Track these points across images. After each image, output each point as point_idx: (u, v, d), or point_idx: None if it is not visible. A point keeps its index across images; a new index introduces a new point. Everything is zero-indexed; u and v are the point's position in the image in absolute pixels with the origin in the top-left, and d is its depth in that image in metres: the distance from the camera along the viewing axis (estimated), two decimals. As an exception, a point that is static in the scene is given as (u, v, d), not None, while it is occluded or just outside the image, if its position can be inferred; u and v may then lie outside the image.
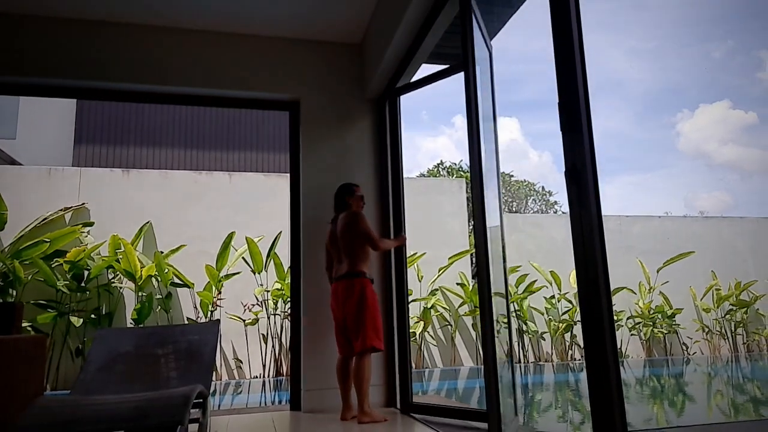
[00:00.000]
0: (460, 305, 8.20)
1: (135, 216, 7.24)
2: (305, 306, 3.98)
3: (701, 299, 9.24)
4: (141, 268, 6.72)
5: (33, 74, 3.87)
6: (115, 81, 4.00)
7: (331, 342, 3.70)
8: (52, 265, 6.50)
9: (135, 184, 7.45)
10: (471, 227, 8.37)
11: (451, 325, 8.18)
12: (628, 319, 8.79)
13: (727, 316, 9.16)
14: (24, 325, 5.97)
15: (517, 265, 8.46)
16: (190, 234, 7.34)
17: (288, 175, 4.43)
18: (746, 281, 9.28)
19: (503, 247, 3.31)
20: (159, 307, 6.91)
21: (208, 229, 7.40)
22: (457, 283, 8.20)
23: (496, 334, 2.72)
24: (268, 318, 7.21)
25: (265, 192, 7.86)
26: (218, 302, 7.05)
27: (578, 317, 7.74)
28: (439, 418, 3.42)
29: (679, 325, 8.88)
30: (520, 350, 8.36)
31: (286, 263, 6.81)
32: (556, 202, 20.44)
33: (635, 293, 8.92)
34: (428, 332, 8.04)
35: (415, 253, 7.79)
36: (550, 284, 8.58)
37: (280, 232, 7.18)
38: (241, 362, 7.19)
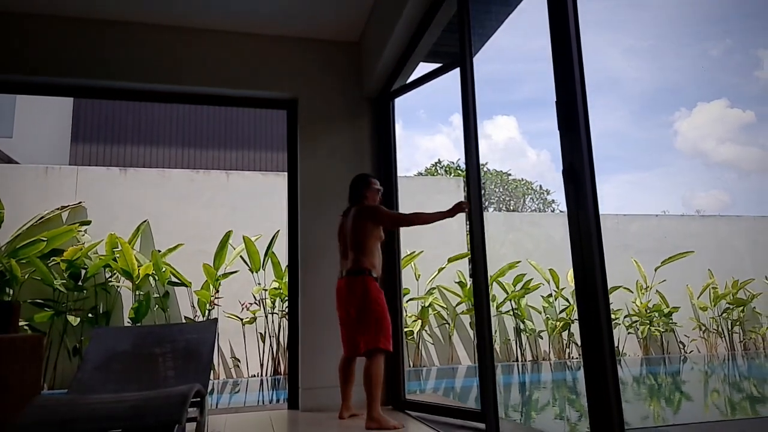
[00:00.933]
0: (458, 304, 8.20)
1: (132, 215, 7.22)
2: (303, 305, 3.97)
3: (698, 298, 9.26)
4: (138, 267, 6.71)
5: (31, 73, 3.86)
6: (112, 79, 3.98)
7: (328, 340, 3.69)
8: (49, 264, 6.48)
9: (132, 182, 7.43)
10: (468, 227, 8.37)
11: (449, 324, 8.19)
12: (625, 317, 8.81)
13: (724, 315, 9.19)
14: (21, 324, 5.96)
15: (516, 260, 8.46)
16: (188, 233, 7.33)
17: (286, 173, 4.43)
18: (743, 280, 9.31)
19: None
20: (156, 306, 6.90)
21: (206, 228, 7.39)
22: (456, 282, 8.21)
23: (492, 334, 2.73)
24: (266, 317, 7.20)
25: (262, 191, 7.85)
26: (216, 301, 7.04)
27: (576, 316, 7.75)
28: (433, 416, 3.42)
29: (676, 323, 8.90)
30: (518, 349, 8.37)
31: (284, 262, 6.81)
32: (553, 201, 20.47)
33: (632, 292, 8.94)
34: (426, 331, 8.05)
35: (413, 252, 7.79)
36: (548, 282, 8.60)
37: (278, 230, 7.18)
38: (239, 361, 7.18)
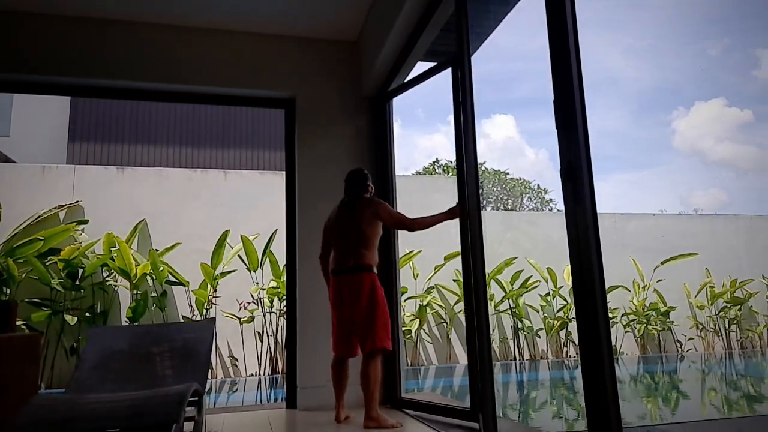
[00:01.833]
0: (456, 303, 8.21)
1: (130, 214, 7.21)
2: (301, 304, 3.97)
3: (695, 296, 9.28)
4: (136, 266, 6.70)
5: (29, 71, 3.85)
6: (110, 78, 3.97)
7: (327, 339, 3.66)
8: (47, 264, 6.47)
9: (129, 181, 7.42)
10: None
11: (447, 323, 8.20)
12: (622, 316, 8.82)
13: (721, 314, 9.21)
14: (18, 323, 5.94)
15: (513, 257, 8.47)
16: (186, 232, 7.32)
17: (283, 172, 4.42)
18: (740, 279, 9.33)
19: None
20: (154, 306, 6.89)
21: (204, 227, 7.38)
22: (453, 280, 8.22)
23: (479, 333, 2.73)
24: (264, 316, 7.20)
25: (260, 190, 7.84)
26: (214, 300, 7.03)
27: (573, 314, 7.77)
28: (431, 415, 3.42)
29: (673, 322, 8.92)
30: (515, 347, 8.38)
31: (282, 261, 6.80)
32: (551, 200, 20.49)
33: (630, 291, 8.96)
34: (424, 330, 8.05)
35: (411, 251, 7.80)
36: (546, 281, 8.61)
37: (276, 230, 7.17)
38: (237, 360, 7.18)
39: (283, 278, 6.77)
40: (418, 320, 7.77)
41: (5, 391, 2.70)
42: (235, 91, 4.26)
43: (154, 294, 6.92)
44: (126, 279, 6.70)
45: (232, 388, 6.51)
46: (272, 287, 7.18)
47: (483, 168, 18.97)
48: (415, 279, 7.98)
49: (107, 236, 6.73)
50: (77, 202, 7.08)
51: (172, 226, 7.33)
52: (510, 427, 3.89)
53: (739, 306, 9.14)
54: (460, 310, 8.24)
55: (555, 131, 1.92)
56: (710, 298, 9.21)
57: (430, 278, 8.06)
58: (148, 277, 6.88)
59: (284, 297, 6.07)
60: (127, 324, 6.58)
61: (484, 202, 18.63)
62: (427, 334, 8.12)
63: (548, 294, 8.59)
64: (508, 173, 20.61)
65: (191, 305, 7.05)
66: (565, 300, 8.55)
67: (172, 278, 6.96)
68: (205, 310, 6.96)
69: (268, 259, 7.18)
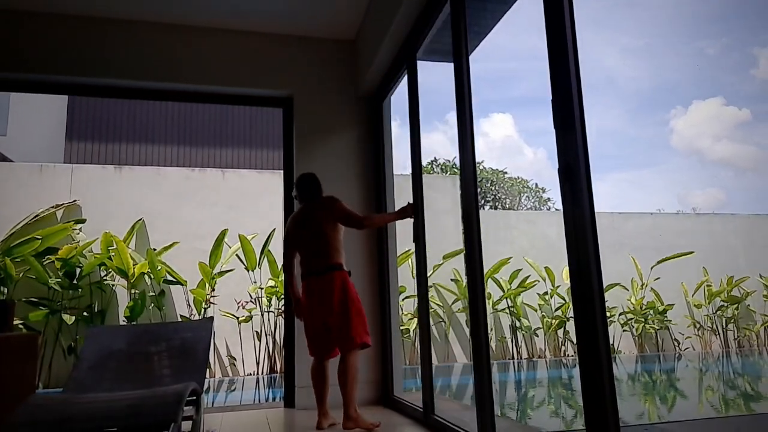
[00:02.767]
0: (454, 302, 8.22)
1: (127, 213, 7.20)
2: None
3: (693, 295, 9.30)
4: (134, 265, 6.69)
5: (26, 70, 3.84)
6: (108, 77, 3.97)
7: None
8: (44, 263, 6.45)
9: (127, 180, 7.41)
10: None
11: (445, 322, 8.20)
12: (620, 315, 8.84)
13: (719, 312, 9.23)
14: (16, 322, 5.93)
15: (508, 257, 8.48)
16: (183, 231, 7.31)
17: (281, 171, 4.42)
18: (738, 277, 9.35)
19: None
20: (152, 305, 6.88)
21: (201, 226, 7.37)
22: (451, 279, 8.22)
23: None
24: (262, 315, 7.20)
25: (258, 189, 7.83)
26: (212, 299, 7.03)
27: (571, 313, 7.78)
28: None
29: (670, 321, 8.94)
30: (514, 346, 8.39)
31: (280, 260, 6.80)
32: (549, 199, 20.50)
33: (627, 289, 8.97)
34: (422, 329, 8.05)
35: (409, 250, 7.79)
36: (544, 280, 8.62)
37: (274, 229, 7.17)
38: (235, 359, 7.18)
39: (281, 277, 6.77)
40: (416, 319, 7.77)
41: (2, 390, 2.69)
42: (233, 89, 4.25)
43: (152, 293, 6.91)
44: (124, 278, 6.69)
45: (230, 387, 6.50)
46: (270, 286, 7.18)
47: (481, 167, 18.97)
48: (413, 278, 7.97)
49: (105, 235, 6.72)
50: (75, 201, 7.07)
51: (170, 226, 7.32)
52: (508, 426, 3.90)
53: (736, 305, 9.16)
54: (459, 309, 8.25)
55: (553, 130, 1.92)
56: (708, 296, 9.23)
57: (428, 277, 8.06)
58: (146, 277, 6.88)
59: (282, 296, 6.07)
60: (125, 323, 6.57)
61: (482, 201, 18.64)
62: (425, 333, 8.12)
63: (546, 293, 8.60)
64: (506, 172, 20.63)
65: (189, 304, 7.04)
66: (563, 299, 8.56)
67: (170, 277, 6.95)
68: (203, 310, 6.95)
69: (266, 258, 7.18)
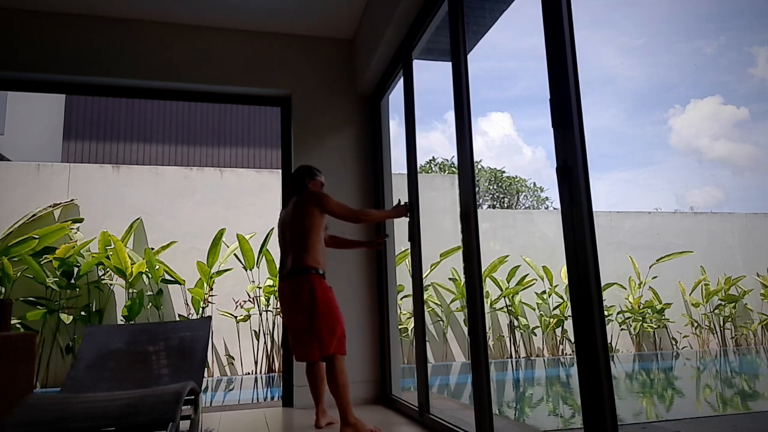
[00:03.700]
0: (452, 301, 8.22)
1: (125, 212, 7.19)
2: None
3: (690, 294, 9.32)
4: (131, 264, 6.68)
5: (23, 69, 3.83)
6: (106, 76, 3.96)
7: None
8: (42, 262, 6.44)
9: (125, 180, 7.40)
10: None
11: (443, 321, 8.21)
12: (618, 314, 8.86)
13: (716, 311, 9.25)
14: (13, 322, 5.92)
15: (505, 255, 8.49)
16: (181, 230, 7.30)
17: (280, 171, 4.42)
18: (735, 276, 9.38)
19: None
20: (150, 304, 6.87)
21: (199, 225, 7.36)
22: (450, 279, 8.23)
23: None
24: (260, 315, 7.19)
25: (256, 188, 7.83)
26: (210, 299, 7.02)
27: (569, 312, 7.79)
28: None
29: (668, 319, 8.96)
30: (512, 345, 8.40)
31: (278, 260, 6.79)
32: (547, 198, 20.52)
33: (625, 288, 8.99)
34: (420, 328, 8.06)
35: (407, 249, 7.79)
36: (542, 279, 8.63)
37: (273, 228, 7.17)
38: (233, 359, 7.17)
39: (280, 276, 6.77)
40: (413, 318, 7.77)
41: (0, 390, 2.69)
42: (231, 88, 4.25)
43: (149, 293, 6.91)
44: (122, 277, 6.68)
45: (228, 386, 6.50)
46: (269, 286, 7.18)
47: (479, 166, 18.98)
48: (411, 277, 7.97)
49: (103, 235, 6.71)
50: (72, 200, 7.06)
51: (168, 225, 7.31)
52: (506, 425, 3.90)
53: (733, 303, 9.19)
54: (457, 308, 8.25)
55: (551, 129, 1.93)
56: (705, 295, 9.25)
57: (426, 276, 8.07)
58: (144, 276, 6.87)
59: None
60: (123, 323, 6.57)
61: (480, 200, 18.66)
62: (423, 332, 8.12)
63: (544, 292, 8.61)
64: (504, 171, 20.64)
65: (187, 304, 7.04)
66: (561, 298, 8.58)
67: (167, 277, 6.95)
68: (201, 309, 6.95)
69: (264, 257, 7.17)
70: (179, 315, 7.06)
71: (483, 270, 2.88)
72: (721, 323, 9.29)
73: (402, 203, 3.37)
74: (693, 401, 5.36)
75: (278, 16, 4.10)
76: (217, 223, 7.28)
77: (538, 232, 9.16)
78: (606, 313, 8.55)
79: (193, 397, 2.35)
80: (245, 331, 7.22)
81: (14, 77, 3.93)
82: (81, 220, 6.97)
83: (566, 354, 8.45)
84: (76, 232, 6.85)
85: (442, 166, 18.70)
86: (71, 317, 6.35)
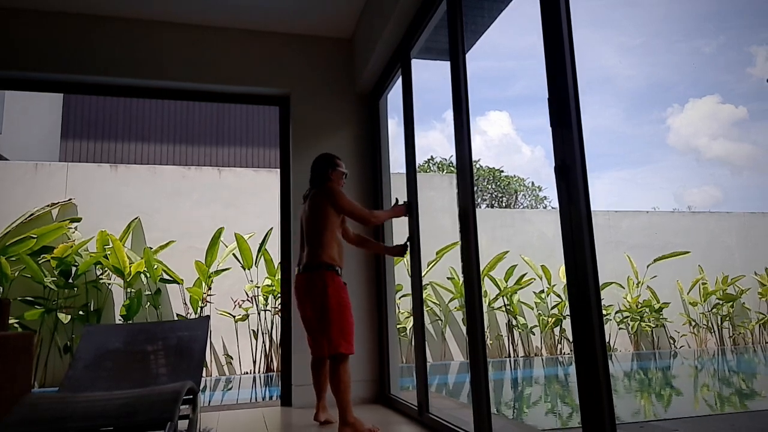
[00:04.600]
0: (450, 300, 8.22)
1: (123, 212, 7.18)
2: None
3: (688, 293, 9.34)
4: (129, 264, 6.67)
5: (21, 68, 3.82)
6: (104, 75, 3.96)
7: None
8: (39, 262, 6.43)
9: (123, 179, 7.39)
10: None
11: (441, 320, 8.21)
12: (616, 313, 8.87)
13: (714, 310, 9.27)
14: (11, 321, 5.91)
15: (504, 251, 8.49)
16: (180, 230, 7.30)
17: (278, 170, 4.41)
18: (733, 275, 9.39)
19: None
20: (148, 304, 6.87)
21: (198, 224, 7.36)
22: (448, 278, 8.23)
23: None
24: (259, 314, 7.19)
25: (254, 187, 7.82)
26: (208, 298, 7.02)
27: (567, 311, 7.80)
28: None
29: (666, 318, 8.97)
30: (510, 345, 8.41)
31: (276, 259, 6.80)
32: (545, 198, 20.53)
33: (623, 287, 9.00)
34: (419, 327, 8.06)
35: (406, 249, 7.79)
36: (540, 278, 8.64)
37: (271, 228, 7.17)
38: (232, 358, 7.17)
39: (278, 276, 6.77)
40: (412, 318, 7.77)
41: (-2, 389, 2.68)
42: (229, 88, 4.24)
43: (148, 292, 6.90)
44: (120, 277, 6.67)
45: (226, 386, 6.50)
46: (267, 285, 7.17)
47: (478, 166, 18.99)
48: (410, 276, 7.97)
49: (101, 234, 6.70)
50: (70, 199, 7.04)
51: (166, 224, 7.30)
52: (504, 424, 3.91)
53: (731, 303, 9.21)
54: (455, 308, 8.26)
55: (550, 129, 1.93)
56: (703, 294, 9.27)
57: (424, 275, 8.07)
58: (142, 275, 6.86)
59: (279, 295, 6.06)
60: (121, 322, 6.56)
61: (479, 200, 18.66)
62: (421, 331, 8.12)
63: (542, 291, 8.62)
64: (502, 171, 20.65)
65: (185, 303, 7.03)
66: (560, 297, 8.58)
67: (166, 276, 6.94)
68: (199, 308, 6.94)
69: (262, 257, 7.17)
70: (177, 314, 7.06)
71: (481, 269, 2.87)
72: (719, 322, 9.31)
73: (400, 203, 3.39)
74: (691, 400, 5.37)
75: (277, 15, 4.10)
76: (215, 222, 7.27)
77: (537, 232, 9.17)
78: (604, 312, 8.55)
79: (191, 396, 2.35)
80: (244, 330, 7.21)
81: (12, 76, 3.92)
82: (79, 220, 6.96)
83: (564, 353, 8.46)
84: (74, 232, 6.84)
85: (440, 166, 18.70)
86: (69, 317, 6.34)
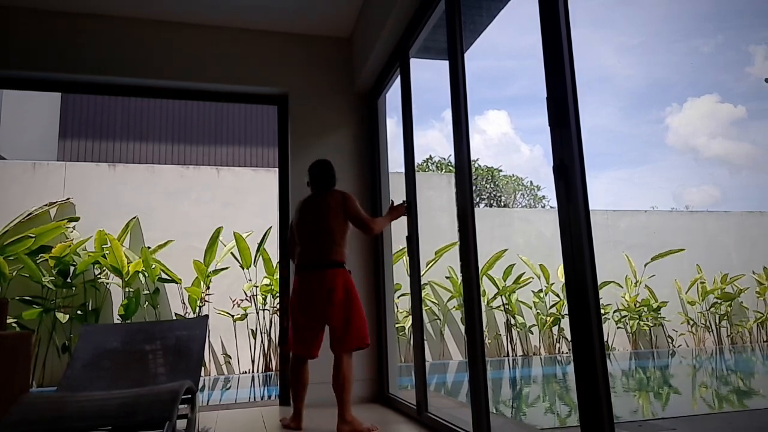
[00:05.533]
0: (449, 299, 8.23)
1: (121, 211, 7.17)
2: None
3: (686, 292, 9.35)
4: (128, 263, 6.67)
5: (18, 67, 3.81)
6: (102, 74, 3.95)
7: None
8: (38, 261, 6.42)
9: (121, 178, 7.38)
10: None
11: (440, 319, 8.21)
12: (614, 312, 8.88)
13: (712, 309, 9.29)
14: (9, 321, 5.90)
15: (503, 249, 8.50)
16: (178, 229, 7.29)
17: (277, 169, 4.41)
18: (731, 275, 9.41)
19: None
20: (146, 303, 6.86)
21: (196, 224, 7.35)
22: (446, 277, 8.23)
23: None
24: (257, 313, 7.19)
25: (253, 187, 7.82)
26: (206, 298, 7.01)
27: (566, 311, 7.80)
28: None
29: (664, 318, 8.99)
30: (508, 344, 8.41)
31: (275, 258, 6.79)
32: (544, 197, 20.54)
33: (622, 287, 9.01)
34: (417, 326, 8.06)
35: (404, 248, 7.79)
36: (539, 278, 8.64)
37: (270, 227, 7.16)
38: (230, 358, 7.17)
39: (277, 275, 6.77)
40: (411, 317, 7.77)
41: (-4, 389, 2.68)
42: (227, 87, 4.24)
43: (146, 291, 6.89)
44: (118, 276, 6.67)
45: (225, 385, 6.50)
46: (266, 285, 7.17)
47: (476, 165, 18.99)
48: (408, 275, 7.97)
49: (99, 233, 6.69)
50: (68, 199, 7.03)
51: (165, 224, 7.29)
52: (503, 423, 3.91)
53: (729, 302, 9.22)
54: (454, 307, 8.26)
55: (548, 128, 1.93)
56: (701, 294, 9.28)
57: (423, 274, 8.07)
58: (141, 275, 6.85)
59: (277, 294, 6.06)
60: (120, 322, 6.55)
61: (477, 199, 18.67)
62: (420, 330, 8.13)
63: (541, 290, 8.62)
64: (501, 170, 20.65)
65: (184, 303, 7.03)
66: (558, 296, 8.59)
67: (164, 276, 6.93)
68: (198, 308, 6.94)
69: (261, 256, 7.17)
70: (176, 314, 7.05)
71: (480, 268, 2.88)
72: (717, 321, 9.33)
73: (396, 204, 3.39)
74: (689, 399, 5.38)
75: (275, 14, 4.09)
76: (213, 221, 7.26)
77: (535, 231, 9.18)
78: (602, 311, 8.57)
79: (190, 396, 2.35)
80: (242, 329, 7.21)
81: (10, 75, 3.92)
82: (77, 219, 6.94)
83: (563, 352, 8.47)
84: (72, 231, 6.83)
85: (439, 165, 18.70)
86: (67, 316, 6.33)
